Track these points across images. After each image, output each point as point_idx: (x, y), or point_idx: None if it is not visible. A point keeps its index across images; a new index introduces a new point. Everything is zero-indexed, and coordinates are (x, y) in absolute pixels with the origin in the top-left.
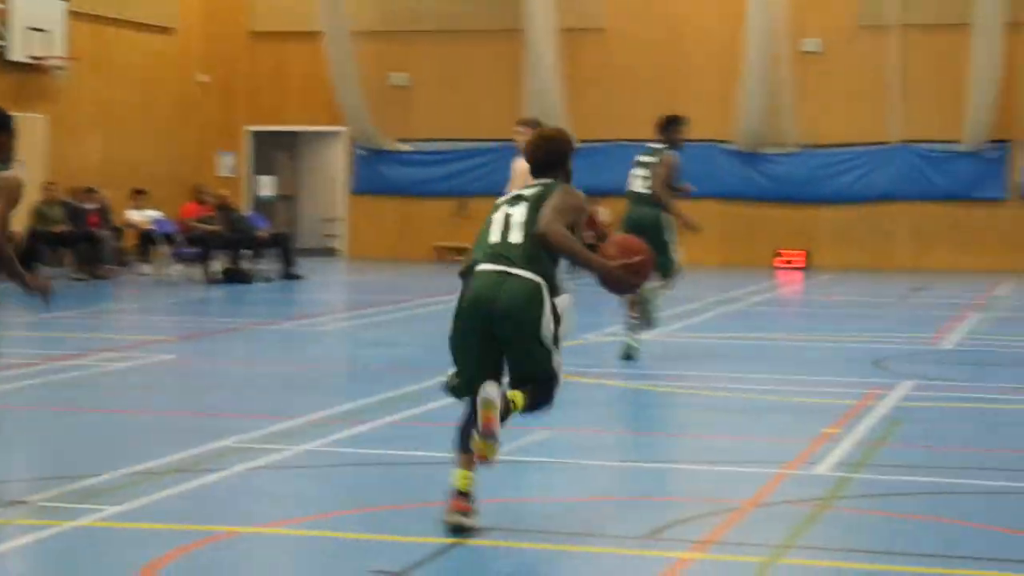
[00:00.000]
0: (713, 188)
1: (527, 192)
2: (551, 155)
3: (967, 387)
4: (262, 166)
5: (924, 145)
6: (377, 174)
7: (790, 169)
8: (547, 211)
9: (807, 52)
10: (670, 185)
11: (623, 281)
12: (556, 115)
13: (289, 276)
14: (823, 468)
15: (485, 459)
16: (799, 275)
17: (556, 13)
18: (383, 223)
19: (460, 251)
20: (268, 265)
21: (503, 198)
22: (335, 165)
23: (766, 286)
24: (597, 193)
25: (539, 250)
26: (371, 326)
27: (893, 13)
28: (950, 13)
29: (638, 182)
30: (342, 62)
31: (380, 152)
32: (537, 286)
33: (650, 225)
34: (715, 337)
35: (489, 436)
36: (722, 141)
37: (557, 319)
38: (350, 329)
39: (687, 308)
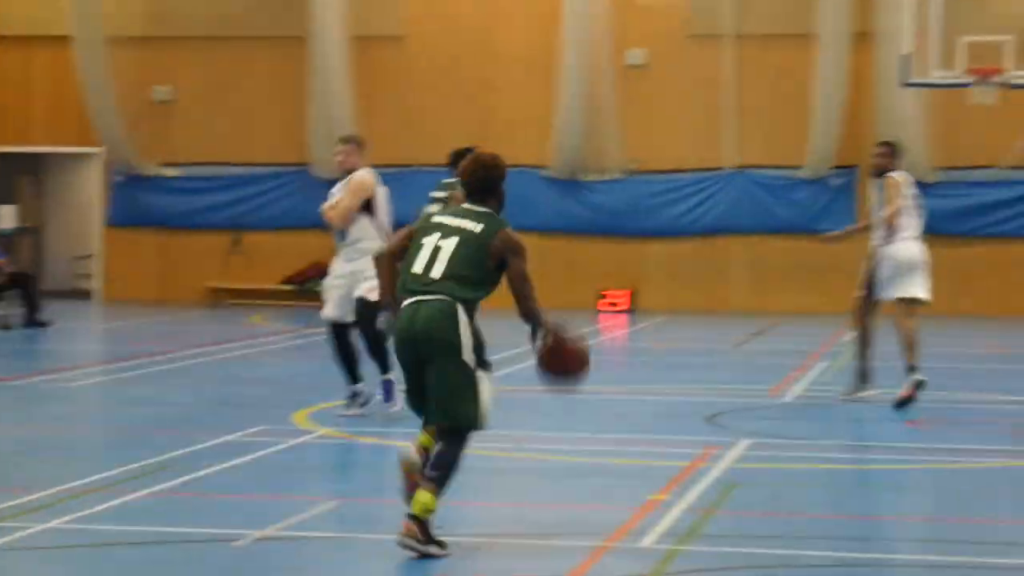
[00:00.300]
0: (529, 220)
1: (462, 223)
2: (488, 181)
3: (810, 445)
4: (1, 194)
5: (763, 171)
6: (138, 203)
7: (614, 198)
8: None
9: (630, 65)
10: None
11: (572, 359)
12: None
13: (33, 323)
14: (649, 540)
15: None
16: (624, 318)
17: (347, 18)
18: (145, 260)
19: (236, 292)
20: (8, 310)
21: (435, 218)
22: (88, 193)
23: (588, 331)
24: (403, 225)
25: (461, 283)
26: (132, 381)
27: (726, 21)
28: (791, 22)
29: None
30: (95, 72)
31: (141, 178)
32: (450, 304)
33: None
34: (527, 390)
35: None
36: (538, 167)
37: (480, 343)
38: (107, 384)
39: (496, 358)
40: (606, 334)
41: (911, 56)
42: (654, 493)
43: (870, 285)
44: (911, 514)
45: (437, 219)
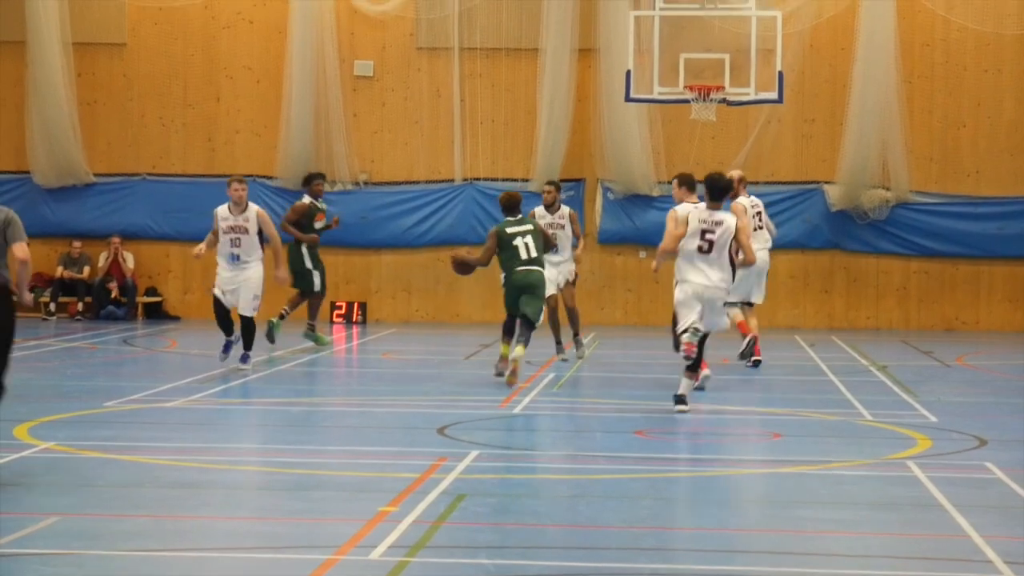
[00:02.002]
0: None
1: (527, 227)
2: (518, 203)
3: (538, 456)
4: None
5: (491, 183)
6: None
7: (344, 209)
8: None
9: (359, 76)
10: (299, 224)
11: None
12: (67, 144)
13: None
14: (378, 552)
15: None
16: (355, 329)
17: (66, 23)
18: None
19: None
20: None
21: (509, 230)
22: None
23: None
24: (126, 235)
25: (541, 256)
26: None
27: (453, 35)
28: (515, 37)
29: None
30: None
31: None
32: (542, 270)
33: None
34: (257, 403)
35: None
36: (267, 177)
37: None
38: None
39: (224, 370)
40: (337, 346)
41: (633, 72)
42: (384, 505)
43: None
44: (635, 523)
45: (511, 231)
